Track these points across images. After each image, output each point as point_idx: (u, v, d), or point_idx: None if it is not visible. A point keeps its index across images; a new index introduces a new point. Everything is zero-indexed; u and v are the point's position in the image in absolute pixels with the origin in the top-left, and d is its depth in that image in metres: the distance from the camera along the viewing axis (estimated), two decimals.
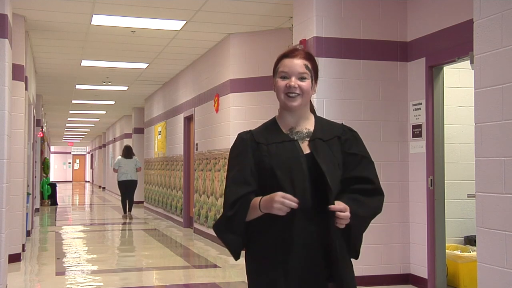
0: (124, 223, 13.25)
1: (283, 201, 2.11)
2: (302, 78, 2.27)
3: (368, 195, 2.28)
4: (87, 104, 17.81)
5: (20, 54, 7.20)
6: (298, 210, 2.15)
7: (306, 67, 2.28)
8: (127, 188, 13.81)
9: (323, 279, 2.19)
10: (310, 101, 2.38)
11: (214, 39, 8.91)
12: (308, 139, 2.28)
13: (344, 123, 2.42)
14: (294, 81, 2.26)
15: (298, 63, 2.27)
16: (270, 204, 2.14)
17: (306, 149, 2.26)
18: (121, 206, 14.49)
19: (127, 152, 13.87)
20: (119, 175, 13.85)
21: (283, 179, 2.19)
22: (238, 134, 2.39)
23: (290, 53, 2.30)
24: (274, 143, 2.27)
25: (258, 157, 2.26)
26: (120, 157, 14.15)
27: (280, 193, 2.13)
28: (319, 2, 5.70)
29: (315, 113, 2.42)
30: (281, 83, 2.29)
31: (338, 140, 2.30)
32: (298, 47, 2.38)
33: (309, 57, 2.32)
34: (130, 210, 14.11)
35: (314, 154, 2.22)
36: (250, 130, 2.38)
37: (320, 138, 2.28)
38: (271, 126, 2.35)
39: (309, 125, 2.33)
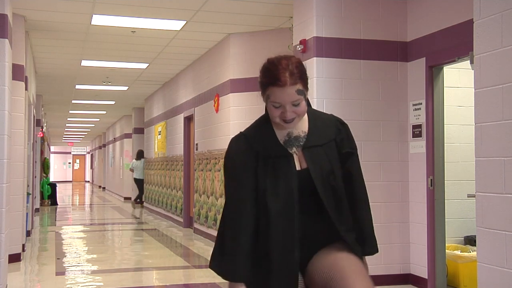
0: (124, 223, 13.26)
1: None
2: (296, 104, 2.15)
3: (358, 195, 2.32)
4: (87, 104, 17.80)
5: (20, 54, 7.19)
6: (283, 232, 2.17)
7: (298, 91, 2.13)
8: (138, 184, 17.35)
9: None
10: None
11: (214, 39, 8.91)
12: (303, 144, 2.25)
13: (333, 114, 2.41)
14: (289, 112, 2.15)
15: (289, 93, 2.11)
16: None
17: (302, 160, 2.23)
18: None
19: (139, 155, 17.34)
20: (133, 174, 17.44)
21: (273, 201, 2.19)
22: (232, 140, 2.29)
23: (276, 81, 2.11)
24: (271, 157, 2.22)
25: (255, 167, 2.22)
26: (134, 160, 17.61)
27: None
28: (319, 2, 5.69)
29: (310, 105, 2.35)
30: (275, 111, 2.17)
31: (334, 142, 2.28)
32: (282, 62, 2.15)
33: (299, 76, 2.14)
34: (139, 199, 17.49)
35: (310, 169, 2.20)
36: (244, 135, 2.28)
37: (316, 145, 2.25)
38: (266, 130, 2.26)
39: (303, 125, 2.27)
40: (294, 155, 2.23)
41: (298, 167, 2.22)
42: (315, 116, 2.31)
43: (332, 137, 2.28)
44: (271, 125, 2.26)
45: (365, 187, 2.35)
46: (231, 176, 2.26)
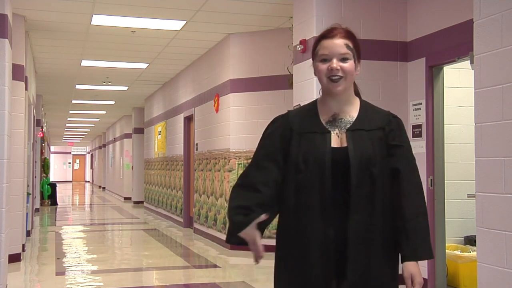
0: (124, 223, 13.26)
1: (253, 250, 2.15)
2: (344, 59, 2.14)
3: (410, 194, 2.18)
4: (87, 104, 17.80)
5: (20, 54, 7.19)
6: (317, 210, 2.10)
7: (347, 46, 2.15)
8: None
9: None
10: (355, 83, 2.27)
11: (214, 39, 8.91)
12: (349, 127, 2.17)
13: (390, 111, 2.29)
14: (336, 63, 2.13)
15: (338, 43, 2.14)
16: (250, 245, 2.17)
17: (343, 141, 2.15)
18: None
19: None
20: None
21: (305, 175, 2.13)
22: (275, 117, 2.32)
23: (328, 33, 2.17)
24: (306, 133, 2.17)
25: (288, 145, 2.19)
26: None
27: (254, 240, 2.14)
28: (319, 2, 5.69)
29: (360, 96, 2.30)
30: (322, 66, 2.16)
31: (382, 131, 2.18)
32: (336, 25, 2.23)
33: (350, 36, 2.18)
34: None
35: (349, 147, 2.12)
36: (288, 112, 2.29)
37: (361, 129, 2.16)
38: (310, 111, 2.24)
39: (353, 111, 2.21)
40: (333, 134, 2.17)
41: (334, 145, 2.15)
42: (367, 106, 2.26)
43: (381, 125, 2.19)
44: (317, 108, 2.25)
45: (417, 185, 2.21)
46: (260, 145, 2.27)
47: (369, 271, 2.12)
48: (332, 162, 2.11)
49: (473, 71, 3.98)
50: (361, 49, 2.22)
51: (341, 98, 2.19)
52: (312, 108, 2.25)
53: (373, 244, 2.12)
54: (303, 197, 2.14)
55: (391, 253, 2.19)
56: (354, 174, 2.10)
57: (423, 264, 5.72)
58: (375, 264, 2.13)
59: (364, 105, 2.24)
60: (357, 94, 2.28)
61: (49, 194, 18.37)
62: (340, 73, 2.14)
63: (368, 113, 2.22)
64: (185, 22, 7.87)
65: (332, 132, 2.17)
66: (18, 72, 7.01)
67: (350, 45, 2.16)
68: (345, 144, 2.14)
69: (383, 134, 2.17)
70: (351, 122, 2.18)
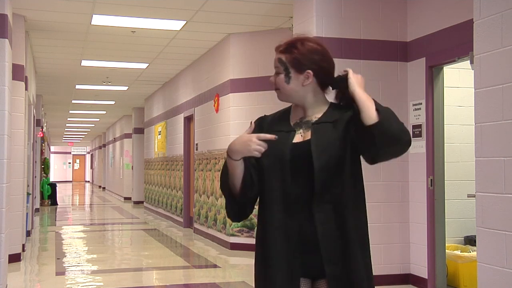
0: (124, 223, 13.27)
1: (258, 142, 2.15)
2: (276, 73, 2.28)
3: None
4: (87, 104, 17.81)
5: (20, 54, 7.19)
6: (279, 203, 2.16)
7: (279, 61, 2.25)
8: None
9: (298, 276, 2.15)
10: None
11: (214, 39, 8.91)
12: (314, 122, 2.23)
13: None
14: (272, 78, 2.29)
15: (275, 59, 2.28)
16: (245, 148, 2.18)
17: (306, 137, 2.21)
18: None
19: None
20: None
21: (267, 169, 2.20)
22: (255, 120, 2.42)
23: (275, 49, 2.30)
24: (274, 131, 2.24)
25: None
26: None
27: (251, 135, 2.19)
28: (319, 2, 5.70)
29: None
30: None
31: (350, 115, 2.19)
32: (285, 39, 2.31)
33: (286, 50, 2.24)
34: None
35: (311, 138, 2.17)
36: (265, 116, 2.39)
37: (326, 121, 2.21)
38: (284, 114, 2.35)
39: (320, 111, 2.26)
40: (297, 133, 2.24)
41: (296, 141, 2.22)
42: (334, 104, 2.31)
43: (346, 117, 2.21)
44: (289, 112, 2.33)
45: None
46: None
47: (344, 256, 2.16)
48: (293, 156, 2.17)
49: (473, 71, 3.98)
50: (300, 61, 2.21)
51: (306, 105, 2.27)
52: (285, 112, 2.35)
53: (345, 227, 2.16)
54: (268, 191, 2.21)
55: (364, 239, 2.24)
56: (316, 158, 2.13)
57: (423, 264, 5.72)
58: (351, 247, 2.18)
59: (331, 105, 2.30)
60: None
61: (49, 194, 18.37)
62: (275, 86, 2.28)
63: (334, 109, 2.27)
64: (185, 22, 7.87)
65: (296, 131, 2.25)
66: (18, 72, 7.01)
67: (283, 59, 2.23)
68: (308, 138, 2.20)
69: (350, 118, 2.19)
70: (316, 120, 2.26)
